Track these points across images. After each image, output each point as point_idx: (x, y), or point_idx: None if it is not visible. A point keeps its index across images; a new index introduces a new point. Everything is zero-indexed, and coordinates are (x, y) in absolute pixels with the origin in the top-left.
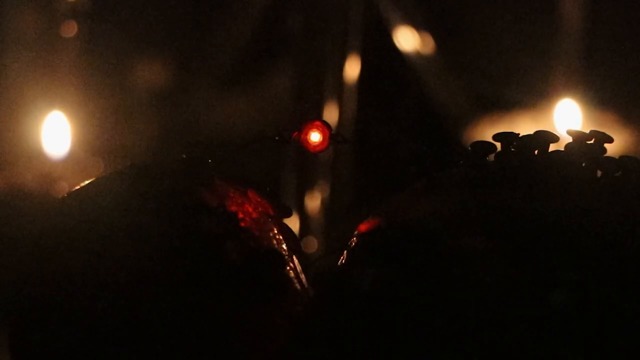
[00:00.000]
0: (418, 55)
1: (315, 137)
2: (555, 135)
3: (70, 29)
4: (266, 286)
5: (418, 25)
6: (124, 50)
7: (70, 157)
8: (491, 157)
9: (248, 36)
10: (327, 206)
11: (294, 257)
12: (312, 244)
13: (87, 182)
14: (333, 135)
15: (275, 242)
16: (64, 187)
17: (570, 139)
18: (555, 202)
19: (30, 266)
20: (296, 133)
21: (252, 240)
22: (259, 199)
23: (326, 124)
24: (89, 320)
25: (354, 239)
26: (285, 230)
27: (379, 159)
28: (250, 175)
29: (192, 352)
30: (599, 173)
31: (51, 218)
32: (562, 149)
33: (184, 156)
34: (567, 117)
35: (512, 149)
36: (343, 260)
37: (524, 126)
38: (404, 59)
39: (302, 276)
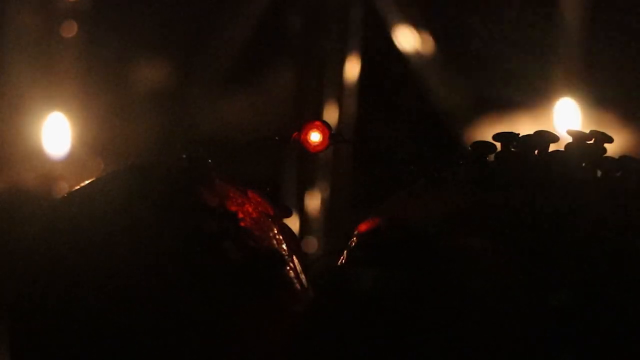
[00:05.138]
0: (418, 55)
1: (315, 137)
2: (555, 135)
3: (70, 29)
4: (266, 286)
5: (418, 25)
6: (124, 51)
7: (70, 157)
8: (491, 157)
9: (248, 36)
10: (327, 206)
11: (294, 257)
12: (312, 244)
13: (87, 182)
14: (333, 135)
15: (275, 242)
16: (64, 187)
17: (570, 139)
18: (555, 202)
19: (30, 266)
20: (296, 133)
21: (252, 240)
22: (259, 199)
23: (326, 124)
24: (89, 319)
25: (354, 239)
26: (285, 230)
27: (379, 159)
28: (250, 175)
29: (192, 352)
30: (599, 173)
31: (51, 218)
32: (562, 149)
33: (184, 156)
34: (567, 117)
35: (512, 149)
36: (343, 260)
37: (524, 126)
38: (404, 59)
39: (302, 276)
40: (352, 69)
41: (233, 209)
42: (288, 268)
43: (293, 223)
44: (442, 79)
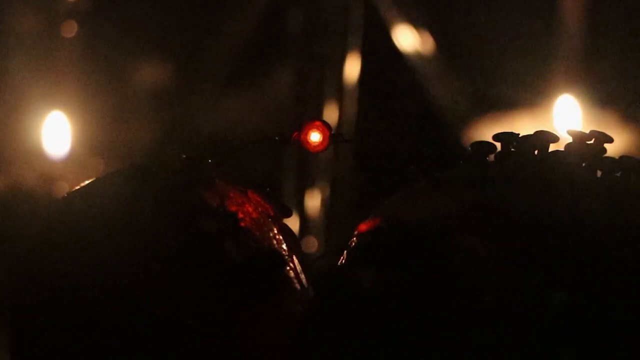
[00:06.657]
0: (418, 55)
1: (315, 137)
2: (555, 135)
3: (70, 29)
4: (266, 286)
5: (418, 25)
6: (124, 50)
7: (70, 157)
8: (491, 157)
9: (248, 36)
10: (327, 206)
11: (294, 257)
12: (312, 244)
13: (87, 182)
14: (333, 135)
15: (275, 242)
16: (64, 187)
17: (570, 139)
18: (555, 202)
19: (30, 266)
20: (296, 133)
21: (252, 240)
22: (259, 199)
23: (326, 124)
24: (89, 319)
25: (354, 239)
26: (285, 230)
27: (379, 159)
28: (250, 175)
29: (192, 352)
30: (599, 173)
31: (51, 218)
32: (562, 149)
33: (184, 156)
34: (567, 117)
35: (512, 149)
36: (343, 260)
37: (524, 126)
38: (404, 59)
39: (302, 276)
40: (352, 69)
41: (233, 209)
42: (288, 268)
43: (293, 223)
44: (442, 79)
